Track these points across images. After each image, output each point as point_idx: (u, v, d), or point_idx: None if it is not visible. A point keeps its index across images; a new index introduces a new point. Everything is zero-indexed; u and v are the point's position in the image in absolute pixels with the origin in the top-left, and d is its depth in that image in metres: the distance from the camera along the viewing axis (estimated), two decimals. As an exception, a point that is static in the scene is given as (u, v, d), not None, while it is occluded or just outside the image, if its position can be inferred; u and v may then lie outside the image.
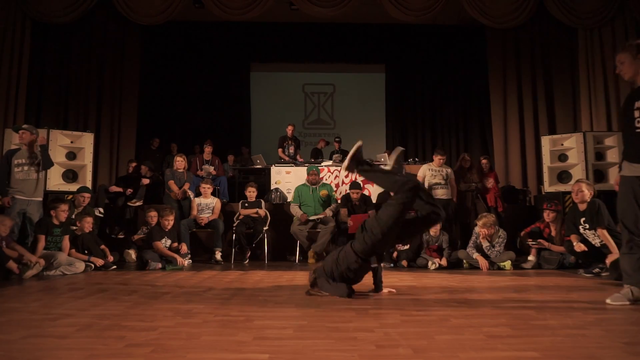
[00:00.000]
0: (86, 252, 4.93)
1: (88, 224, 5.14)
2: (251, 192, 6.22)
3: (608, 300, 2.75)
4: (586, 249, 4.44)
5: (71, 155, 6.20)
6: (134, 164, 7.21)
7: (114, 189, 6.61)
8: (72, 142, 6.24)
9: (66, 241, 4.72)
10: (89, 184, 6.17)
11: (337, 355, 1.71)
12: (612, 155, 6.34)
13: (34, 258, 4.26)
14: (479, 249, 5.12)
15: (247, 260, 5.85)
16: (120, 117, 8.88)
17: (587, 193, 4.46)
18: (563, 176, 6.50)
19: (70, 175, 6.17)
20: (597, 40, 8.31)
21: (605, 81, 8.28)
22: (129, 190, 6.58)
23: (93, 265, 4.82)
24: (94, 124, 8.54)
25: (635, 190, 2.70)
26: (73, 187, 5.98)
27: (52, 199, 5.01)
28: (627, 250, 2.76)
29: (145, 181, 6.83)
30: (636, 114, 2.68)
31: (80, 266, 4.63)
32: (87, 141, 6.33)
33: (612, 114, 8.20)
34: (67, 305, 2.77)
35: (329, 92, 11.36)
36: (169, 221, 5.39)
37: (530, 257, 5.20)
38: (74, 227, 5.03)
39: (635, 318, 2.36)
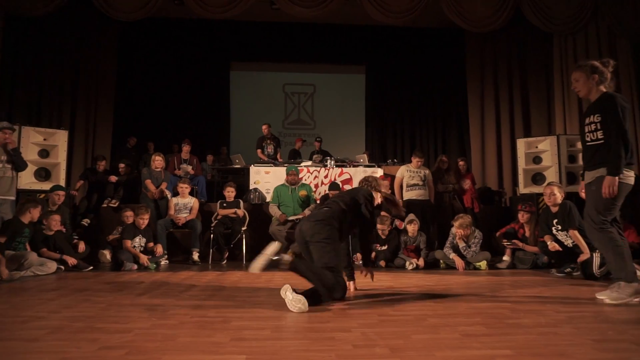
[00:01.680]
0: (57, 251, 4.80)
1: (55, 222, 4.97)
2: (230, 192, 6.17)
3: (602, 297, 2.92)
4: (560, 249, 4.55)
5: (44, 153, 6.03)
6: (103, 162, 7.03)
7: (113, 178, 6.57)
8: (45, 139, 6.07)
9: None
10: (62, 183, 6.01)
11: (315, 356, 1.71)
12: (585, 158, 6.51)
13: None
14: (456, 249, 5.20)
15: (225, 261, 5.79)
16: (96, 114, 8.69)
17: (558, 196, 4.60)
18: (537, 178, 6.65)
19: (43, 173, 6.00)
20: (571, 45, 8.55)
21: (578, 85, 8.50)
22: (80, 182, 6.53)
23: (63, 267, 4.70)
24: (68, 121, 8.33)
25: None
26: (46, 186, 5.82)
27: (25, 199, 4.85)
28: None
29: (113, 178, 6.71)
30: (586, 129, 2.97)
31: (52, 266, 4.51)
32: (61, 139, 6.17)
33: (584, 118, 8.42)
34: (37, 307, 2.69)
35: (310, 92, 11.37)
36: (144, 220, 5.30)
37: (505, 257, 5.30)
38: (42, 226, 4.89)
39: (604, 316, 2.43)
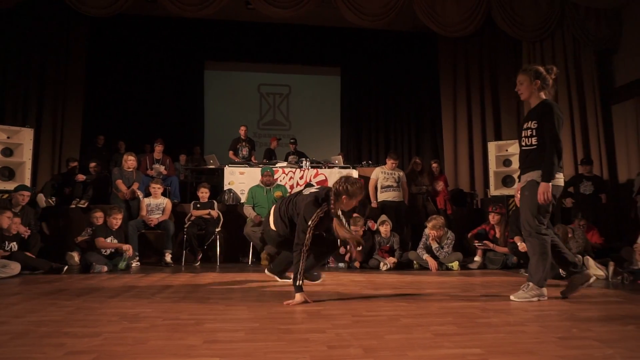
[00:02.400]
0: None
1: (15, 226, 4.75)
2: (203, 193, 6.09)
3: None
4: None
5: (7, 152, 5.82)
6: (74, 163, 6.83)
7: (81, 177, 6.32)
8: (8, 137, 5.86)
9: None
10: (27, 183, 5.81)
11: (289, 357, 1.71)
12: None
13: None
14: (429, 250, 5.28)
15: (199, 262, 5.72)
16: (64, 112, 8.41)
17: None
18: (507, 180, 6.83)
19: (7, 172, 5.79)
20: (538, 52, 8.82)
21: (545, 91, 8.79)
22: (68, 189, 6.28)
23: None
24: (34, 119, 8.04)
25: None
26: (9, 186, 5.61)
27: None
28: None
29: (81, 177, 6.53)
30: (523, 133, 3.09)
31: (16, 268, 4.34)
32: (26, 137, 5.96)
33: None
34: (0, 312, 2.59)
35: (285, 93, 11.35)
36: (117, 220, 5.18)
37: (477, 258, 5.42)
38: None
39: (569, 315, 2.52)
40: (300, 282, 2.86)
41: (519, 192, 3.13)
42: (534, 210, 2.94)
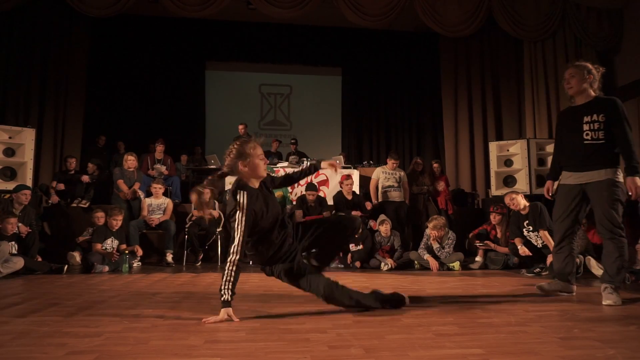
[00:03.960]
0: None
1: (12, 226, 4.72)
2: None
3: (538, 285, 3.18)
4: (530, 253, 4.68)
5: (9, 152, 5.82)
6: (72, 160, 6.82)
7: (61, 186, 6.27)
8: (10, 137, 5.86)
9: None
10: (29, 183, 5.81)
11: (290, 357, 1.71)
12: (553, 162, 6.73)
13: None
14: (430, 250, 5.28)
15: (200, 262, 5.72)
16: (65, 112, 8.42)
17: (521, 201, 4.74)
18: (508, 180, 6.82)
19: (8, 172, 5.79)
20: (540, 52, 8.82)
21: (547, 91, 8.81)
22: (61, 186, 6.28)
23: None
24: (36, 119, 8.05)
25: (575, 195, 3.01)
26: (11, 186, 5.61)
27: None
28: (557, 250, 3.14)
29: (85, 178, 6.53)
30: (585, 127, 2.95)
31: (19, 262, 4.33)
32: (27, 137, 5.97)
33: (552, 122, 8.71)
34: (1, 311, 2.59)
35: (286, 93, 11.35)
36: (117, 221, 5.19)
37: (478, 258, 5.42)
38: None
39: (570, 315, 2.51)
40: (228, 296, 2.30)
41: (550, 190, 3.10)
42: (618, 210, 2.86)
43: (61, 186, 6.36)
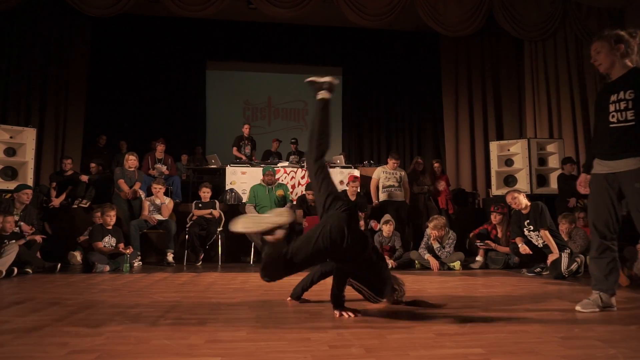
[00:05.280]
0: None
1: (10, 225, 4.71)
2: (205, 193, 6.09)
3: (578, 308, 2.56)
4: (531, 252, 4.68)
5: (10, 152, 5.83)
6: (68, 161, 6.80)
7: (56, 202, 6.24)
8: (11, 137, 5.87)
9: None
10: (30, 182, 5.82)
11: (291, 357, 1.71)
12: (553, 161, 6.73)
13: None
14: (430, 250, 5.27)
15: (201, 262, 5.72)
16: (66, 112, 8.44)
17: (522, 200, 4.73)
18: (509, 180, 6.82)
19: (9, 172, 5.80)
20: (540, 51, 8.82)
21: (547, 90, 8.81)
22: (54, 184, 6.29)
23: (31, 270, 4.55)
24: (37, 119, 8.06)
25: (608, 187, 2.55)
26: (12, 185, 5.62)
27: None
28: (597, 255, 2.59)
29: (84, 177, 6.53)
30: (611, 107, 2.51)
31: (13, 250, 4.31)
32: (28, 137, 5.98)
33: (553, 121, 8.72)
34: (2, 311, 2.59)
35: (286, 93, 11.32)
36: (111, 217, 5.17)
37: (478, 258, 5.41)
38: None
39: (571, 314, 2.51)
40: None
41: (588, 184, 2.65)
42: None
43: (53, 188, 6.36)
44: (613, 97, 2.51)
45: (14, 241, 4.56)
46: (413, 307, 2.66)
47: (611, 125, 2.50)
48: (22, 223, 4.86)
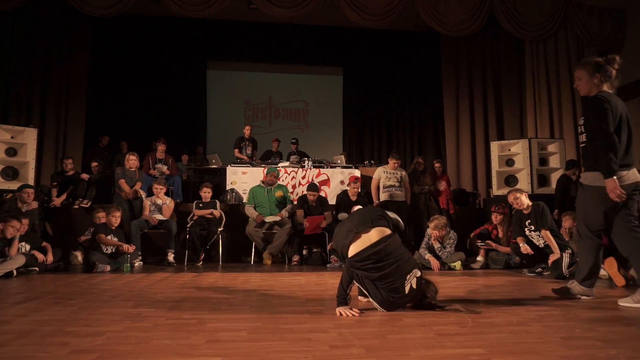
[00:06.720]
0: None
1: (12, 229, 4.61)
2: (206, 193, 6.10)
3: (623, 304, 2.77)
4: (532, 251, 4.67)
5: (11, 152, 5.84)
6: (69, 161, 6.79)
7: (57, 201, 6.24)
8: (12, 137, 5.88)
9: None
10: (31, 182, 5.82)
11: (291, 357, 1.71)
12: (554, 161, 6.73)
13: None
14: (431, 250, 5.27)
15: (201, 262, 5.72)
16: (67, 112, 8.44)
17: (524, 200, 4.72)
18: (510, 180, 6.81)
19: (10, 172, 5.81)
20: (542, 51, 8.81)
21: (548, 90, 8.80)
22: (55, 184, 6.30)
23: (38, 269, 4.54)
24: (37, 119, 8.07)
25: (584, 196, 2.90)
26: (13, 185, 5.63)
27: (3, 214, 4.64)
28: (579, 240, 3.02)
29: (85, 176, 6.53)
30: (580, 129, 2.92)
31: (19, 259, 4.30)
32: (29, 137, 5.98)
33: (554, 121, 8.70)
34: (3, 311, 2.60)
35: (287, 93, 11.33)
36: (116, 218, 5.18)
37: (479, 258, 5.41)
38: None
39: (572, 314, 2.51)
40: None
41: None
42: (591, 214, 2.83)
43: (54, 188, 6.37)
44: (580, 121, 2.93)
45: (22, 251, 4.54)
46: (421, 309, 2.63)
47: (581, 145, 2.94)
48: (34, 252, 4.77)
